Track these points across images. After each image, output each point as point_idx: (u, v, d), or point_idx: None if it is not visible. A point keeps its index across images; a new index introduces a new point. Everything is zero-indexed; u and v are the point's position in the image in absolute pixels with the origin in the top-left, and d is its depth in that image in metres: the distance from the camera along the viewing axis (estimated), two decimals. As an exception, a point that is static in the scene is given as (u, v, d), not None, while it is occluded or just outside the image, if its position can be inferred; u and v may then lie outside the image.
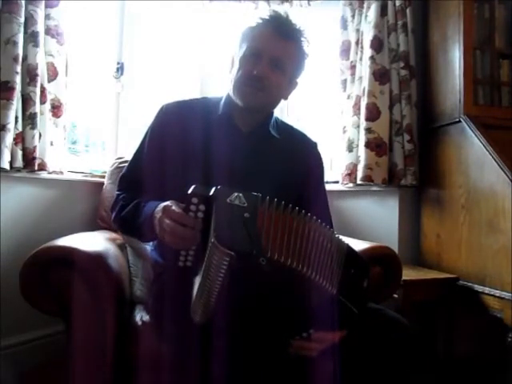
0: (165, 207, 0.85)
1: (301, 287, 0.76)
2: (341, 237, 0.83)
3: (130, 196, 1.04)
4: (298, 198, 0.99)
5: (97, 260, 1.05)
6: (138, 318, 1.10)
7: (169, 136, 1.05)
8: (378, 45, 1.91)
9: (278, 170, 1.08)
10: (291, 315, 0.79)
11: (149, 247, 1.26)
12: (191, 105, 1.12)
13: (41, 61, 1.56)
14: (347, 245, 0.83)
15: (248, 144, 1.07)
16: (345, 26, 2.06)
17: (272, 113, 1.13)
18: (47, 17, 1.60)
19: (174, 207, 0.83)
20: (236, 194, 0.73)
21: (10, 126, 1.45)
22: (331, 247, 0.78)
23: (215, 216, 0.72)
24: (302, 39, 1.05)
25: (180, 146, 1.03)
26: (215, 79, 2.19)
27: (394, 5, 1.93)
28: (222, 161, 1.00)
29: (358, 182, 1.92)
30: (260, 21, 1.03)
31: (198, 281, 0.77)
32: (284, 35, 1.01)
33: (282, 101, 1.12)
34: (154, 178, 1.02)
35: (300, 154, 1.14)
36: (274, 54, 1.01)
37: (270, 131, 1.10)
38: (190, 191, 0.76)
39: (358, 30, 2.00)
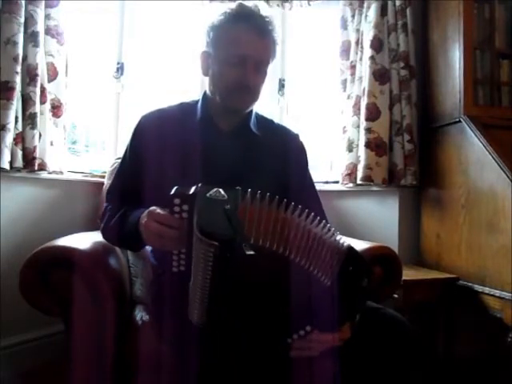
0: (149, 211, 0.86)
1: (296, 280, 0.76)
2: (342, 237, 0.84)
3: (116, 207, 1.05)
4: (286, 190, 0.98)
5: (97, 260, 1.05)
6: (138, 317, 1.10)
7: (149, 147, 1.05)
8: (378, 45, 1.91)
9: (263, 166, 1.08)
10: (288, 312, 0.79)
11: (149, 247, 1.26)
12: (169, 112, 1.12)
13: (41, 61, 1.56)
14: (349, 244, 0.83)
15: (230, 144, 1.08)
16: (345, 26, 2.06)
17: (252, 110, 1.13)
18: (47, 17, 1.60)
19: (158, 210, 0.84)
20: (216, 189, 0.76)
21: (10, 126, 1.45)
22: (325, 238, 0.79)
23: (197, 211, 0.74)
24: (274, 29, 1.05)
25: (162, 154, 1.03)
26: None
27: (394, 5, 1.93)
28: (205, 164, 1.00)
29: (358, 182, 1.92)
30: (232, 17, 1.01)
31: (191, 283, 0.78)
32: (262, 34, 1.02)
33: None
34: (141, 189, 1.02)
35: (282, 148, 1.14)
36: (258, 58, 1.02)
37: (251, 129, 1.11)
38: (171, 193, 0.78)
39: (358, 30, 1.99)
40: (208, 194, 0.75)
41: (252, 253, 0.69)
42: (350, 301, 0.80)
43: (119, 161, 1.18)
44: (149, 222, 0.84)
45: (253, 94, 1.04)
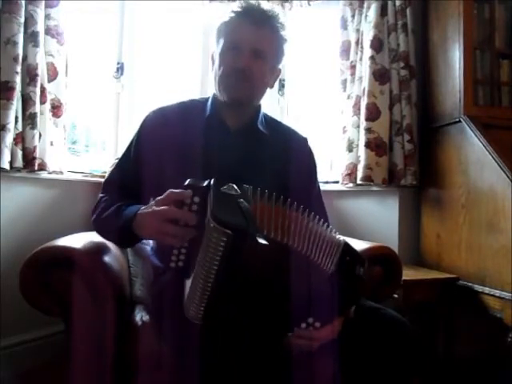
0: (157, 199, 0.85)
1: (298, 274, 0.78)
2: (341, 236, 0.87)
3: (112, 199, 1.04)
4: (286, 191, 0.98)
5: (97, 260, 1.05)
6: (138, 317, 1.10)
7: (156, 141, 1.05)
8: (378, 45, 1.91)
9: (269, 166, 1.08)
10: (290, 305, 0.80)
11: (148, 247, 1.26)
12: (176, 109, 1.12)
13: (41, 61, 1.56)
14: (343, 239, 0.87)
15: (237, 142, 1.08)
16: (345, 26, 2.06)
17: (260, 109, 1.14)
18: (47, 17, 1.60)
19: (166, 195, 0.83)
20: (229, 184, 0.78)
21: (10, 126, 1.45)
22: (325, 234, 0.83)
23: (211, 202, 0.74)
24: (278, 24, 1.05)
25: (168, 149, 1.03)
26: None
27: (394, 5, 1.93)
28: (211, 160, 1.01)
29: (358, 182, 1.92)
30: (233, 14, 1.04)
31: (189, 281, 0.78)
32: (259, 23, 1.02)
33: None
34: (140, 184, 1.02)
35: (290, 150, 1.14)
36: (252, 44, 1.02)
37: (259, 128, 1.11)
38: (185, 184, 0.79)
39: (358, 30, 2.00)
40: (222, 189, 0.77)
41: (265, 242, 0.70)
42: (349, 289, 0.82)
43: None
44: (155, 208, 0.83)
45: (249, 79, 1.02)
